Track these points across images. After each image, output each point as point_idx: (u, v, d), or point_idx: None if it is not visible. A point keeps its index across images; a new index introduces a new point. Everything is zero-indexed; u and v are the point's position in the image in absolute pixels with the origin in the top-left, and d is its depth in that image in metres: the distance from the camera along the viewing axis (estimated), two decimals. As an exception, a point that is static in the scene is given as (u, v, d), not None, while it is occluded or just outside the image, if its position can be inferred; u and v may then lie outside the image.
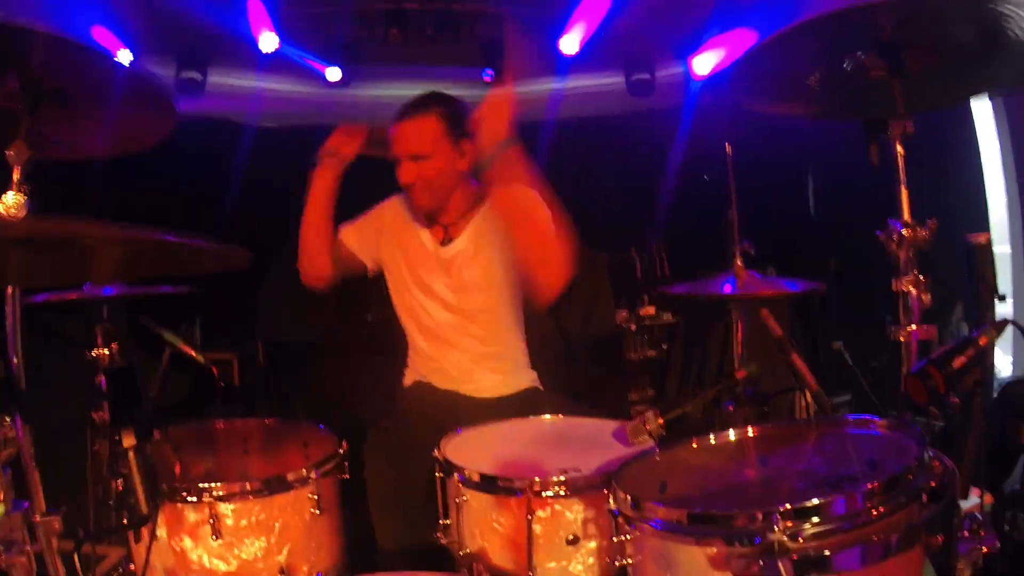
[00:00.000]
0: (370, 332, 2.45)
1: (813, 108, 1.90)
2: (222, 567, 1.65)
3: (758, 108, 1.88)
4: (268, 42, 4.14)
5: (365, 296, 2.35)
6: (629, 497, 1.28)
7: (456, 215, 2.25)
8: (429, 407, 2.20)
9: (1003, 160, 3.99)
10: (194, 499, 1.65)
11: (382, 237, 2.34)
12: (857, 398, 3.78)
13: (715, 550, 1.14)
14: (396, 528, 1.94)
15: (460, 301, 2.24)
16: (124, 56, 3.82)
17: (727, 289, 2.18)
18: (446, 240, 2.25)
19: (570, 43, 4.51)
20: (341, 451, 1.87)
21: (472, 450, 1.80)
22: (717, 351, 3.97)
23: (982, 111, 4.08)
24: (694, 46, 4.64)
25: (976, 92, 1.81)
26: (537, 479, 1.56)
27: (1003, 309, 1.48)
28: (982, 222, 4.06)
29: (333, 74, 4.52)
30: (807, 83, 1.68)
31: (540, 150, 4.40)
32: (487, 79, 4.68)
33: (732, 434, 1.54)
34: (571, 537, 1.55)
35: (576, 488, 1.56)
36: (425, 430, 1.87)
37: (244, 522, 1.66)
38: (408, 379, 2.37)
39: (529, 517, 1.54)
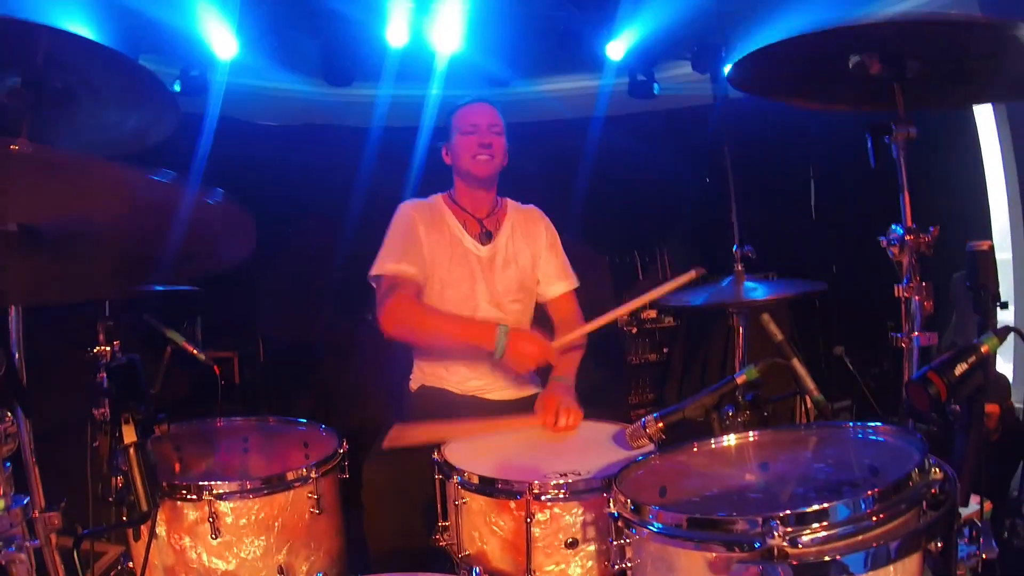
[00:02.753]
0: (370, 332, 2.48)
1: (816, 101, 1.90)
2: (221, 566, 1.65)
3: (759, 100, 1.89)
4: (268, 41, 4.15)
5: (365, 296, 2.35)
6: (629, 501, 1.28)
7: (489, 210, 2.39)
8: (436, 411, 2.20)
9: (1005, 166, 3.99)
10: (194, 497, 1.65)
11: (424, 244, 2.28)
12: (858, 403, 3.78)
13: (715, 555, 1.14)
14: (396, 531, 1.93)
15: (492, 300, 2.29)
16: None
17: (729, 294, 2.18)
18: (484, 236, 2.34)
19: (573, 45, 4.51)
20: (341, 451, 1.87)
21: (472, 453, 1.80)
22: (718, 355, 3.97)
23: (984, 118, 4.08)
24: (696, 48, 4.64)
25: (978, 100, 1.82)
26: (536, 482, 1.56)
27: (1005, 316, 1.48)
28: (984, 229, 4.06)
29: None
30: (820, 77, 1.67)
31: (543, 152, 4.42)
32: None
33: (733, 439, 1.54)
34: (570, 540, 1.55)
35: (575, 491, 1.56)
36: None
37: (243, 521, 1.66)
38: (414, 384, 2.38)
39: (528, 520, 1.54)
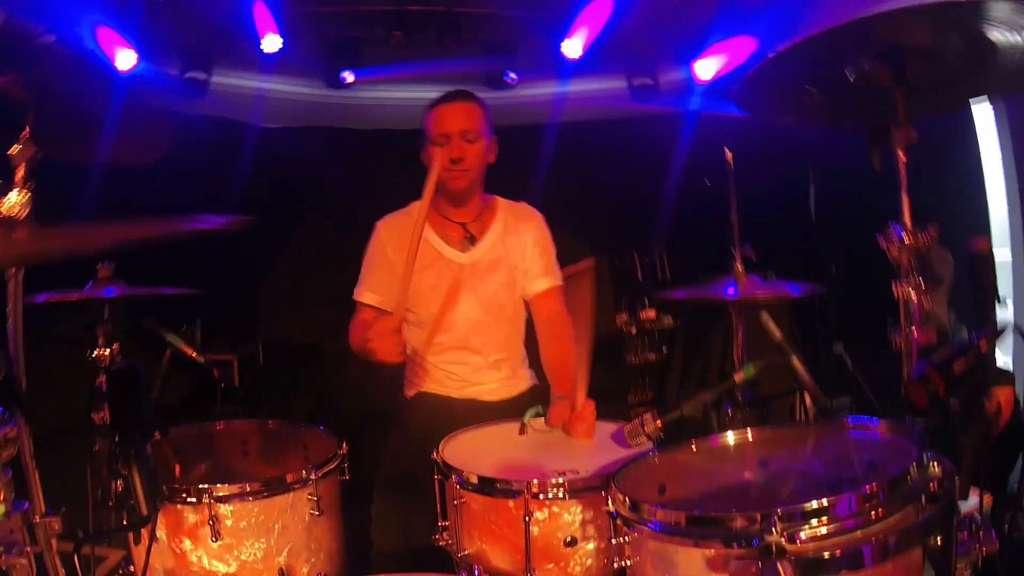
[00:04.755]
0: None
1: (817, 117, 1.91)
2: (222, 568, 1.65)
3: (762, 117, 1.89)
4: (271, 43, 4.16)
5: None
6: (628, 499, 1.28)
7: (474, 214, 2.32)
8: (434, 416, 2.20)
9: (1004, 165, 3.99)
10: (194, 500, 1.65)
11: (394, 265, 2.23)
12: (858, 401, 3.77)
13: (714, 552, 1.14)
14: (400, 531, 1.94)
15: (480, 305, 2.26)
16: (128, 57, 3.82)
17: (728, 293, 2.18)
18: (467, 242, 2.29)
19: (573, 47, 4.52)
20: (341, 452, 1.87)
21: (470, 452, 1.80)
22: (717, 354, 3.97)
23: (983, 116, 4.08)
24: (696, 51, 4.65)
25: (973, 95, 1.81)
26: (535, 481, 1.56)
27: (1003, 314, 1.48)
28: (983, 227, 4.06)
29: (347, 77, 4.54)
30: (808, 92, 1.69)
31: (543, 153, 4.42)
32: (509, 81, 4.74)
33: (731, 437, 1.54)
34: (569, 539, 1.55)
35: (574, 490, 1.55)
36: (431, 439, 1.86)
37: (244, 523, 1.66)
38: (410, 390, 2.36)
39: (527, 519, 1.54)
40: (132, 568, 1.80)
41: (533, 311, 2.35)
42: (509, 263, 2.30)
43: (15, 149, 1.42)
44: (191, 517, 1.65)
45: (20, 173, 1.43)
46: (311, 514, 1.74)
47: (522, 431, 1.99)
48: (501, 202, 2.39)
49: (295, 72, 4.60)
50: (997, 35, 1.43)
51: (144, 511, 1.50)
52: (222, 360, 3.56)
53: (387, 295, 2.24)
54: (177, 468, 2.00)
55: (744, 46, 4.37)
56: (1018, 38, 1.43)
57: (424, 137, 2.26)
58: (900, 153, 1.62)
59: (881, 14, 1.43)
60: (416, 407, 2.31)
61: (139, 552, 1.66)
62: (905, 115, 1.61)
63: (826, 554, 1.07)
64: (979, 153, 4.10)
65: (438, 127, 2.19)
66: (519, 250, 2.32)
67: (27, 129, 1.46)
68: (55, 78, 1.45)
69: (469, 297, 2.25)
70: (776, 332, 1.80)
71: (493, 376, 2.29)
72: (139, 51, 3.90)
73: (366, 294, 2.27)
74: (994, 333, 1.37)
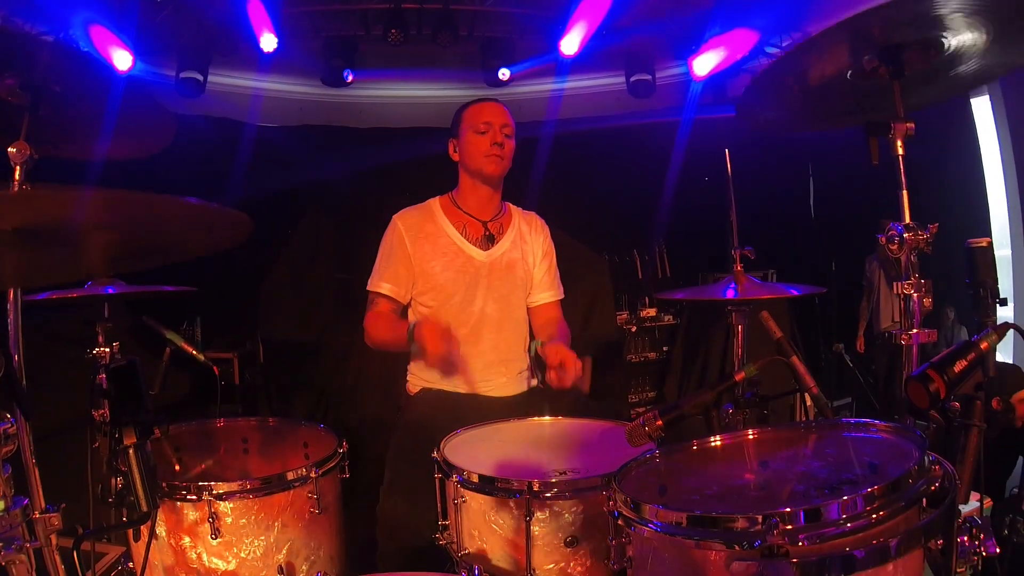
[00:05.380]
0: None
1: (819, 119, 1.92)
2: (221, 566, 1.65)
3: (765, 125, 1.91)
4: (267, 43, 4.15)
5: (364, 297, 2.36)
6: (629, 499, 1.28)
7: (494, 212, 2.39)
8: (438, 412, 2.21)
9: (1004, 163, 3.99)
10: (194, 497, 1.65)
11: (410, 258, 2.30)
12: (858, 400, 3.78)
13: (715, 553, 1.14)
14: (406, 529, 1.94)
15: (495, 303, 2.30)
16: (124, 58, 3.81)
17: (728, 295, 2.18)
18: (487, 241, 2.34)
19: (570, 44, 4.52)
20: (341, 450, 1.87)
21: (471, 451, 1.80)
22: (717, 353, 3.98)
23: (982, 114, 4.09)
24: (695, 44, 4.64)
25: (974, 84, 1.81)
26: (536, 480, 1.56)
27: (1004, 313, 1.48)
28: (983, 225, 4.06)
29: (349, 76, 4.55)
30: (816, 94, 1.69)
31: (542, 151, 4.42)
32: (502, 77, 4.76)
33: (732, 437, 1.54)
34: (569, 538, 1.55)
35: (575, 489, 1.56)
36: (436, 435, 1.86)
37: (244, 521, 1.66)
38: (413, 387, 2.37)
39: (528, 518, 1.54)
40: (131, 565, 1.80)
41: (533, 316, 2.45)
42: (524, 267, 2.38)
43: (13, 150, 1.42)
44: (191, 514, 1.65)
45: (18, 173, 1.42)
46: (311, 512, 1.74)
47: (530, 351, 2.14)
48: (514, 208, 2.47)
49: (292, 71, 4.61)
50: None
51: (144, 508, 1.50)
52: (222, 358, 3.57)
53: (403, 286, 2.30)
54: (177, 465, 2.00)
55: (743, 39, 4.37)
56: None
57: (458, 131, 2.35)
58: (899, 149, 1.62)
59: (877, 8, 1.43)
60: (420, 403, 2.32)
61: (138, 549, 1.66)
62: (903, 111, 1.61)
63: (827, 556, 1.07)
64: (979, 152, 4.10)
65: (481, 117, 2.30)
66: (530, 257, 2.41)
67: (24, 128, 1.46)
68: (52, 79, 1.45)
69: (484, 295, 2.30)
70: (776, 331, 1.79)
71: (500, 373, 2.31)
72: (135, 51, 3.89)
73: (383, 284, 2.31)
74: (994, 332, 1.36)
